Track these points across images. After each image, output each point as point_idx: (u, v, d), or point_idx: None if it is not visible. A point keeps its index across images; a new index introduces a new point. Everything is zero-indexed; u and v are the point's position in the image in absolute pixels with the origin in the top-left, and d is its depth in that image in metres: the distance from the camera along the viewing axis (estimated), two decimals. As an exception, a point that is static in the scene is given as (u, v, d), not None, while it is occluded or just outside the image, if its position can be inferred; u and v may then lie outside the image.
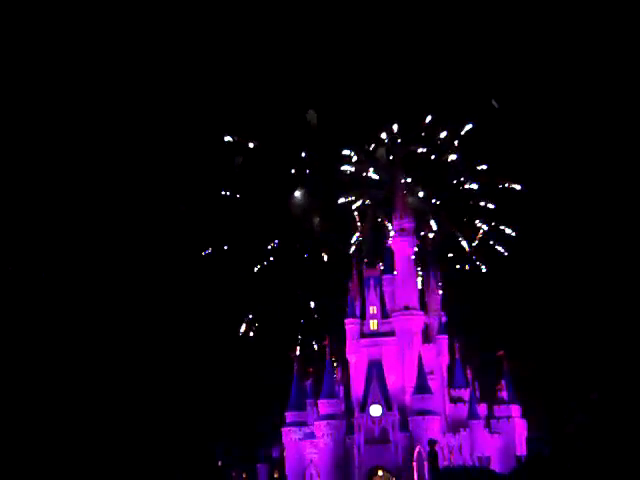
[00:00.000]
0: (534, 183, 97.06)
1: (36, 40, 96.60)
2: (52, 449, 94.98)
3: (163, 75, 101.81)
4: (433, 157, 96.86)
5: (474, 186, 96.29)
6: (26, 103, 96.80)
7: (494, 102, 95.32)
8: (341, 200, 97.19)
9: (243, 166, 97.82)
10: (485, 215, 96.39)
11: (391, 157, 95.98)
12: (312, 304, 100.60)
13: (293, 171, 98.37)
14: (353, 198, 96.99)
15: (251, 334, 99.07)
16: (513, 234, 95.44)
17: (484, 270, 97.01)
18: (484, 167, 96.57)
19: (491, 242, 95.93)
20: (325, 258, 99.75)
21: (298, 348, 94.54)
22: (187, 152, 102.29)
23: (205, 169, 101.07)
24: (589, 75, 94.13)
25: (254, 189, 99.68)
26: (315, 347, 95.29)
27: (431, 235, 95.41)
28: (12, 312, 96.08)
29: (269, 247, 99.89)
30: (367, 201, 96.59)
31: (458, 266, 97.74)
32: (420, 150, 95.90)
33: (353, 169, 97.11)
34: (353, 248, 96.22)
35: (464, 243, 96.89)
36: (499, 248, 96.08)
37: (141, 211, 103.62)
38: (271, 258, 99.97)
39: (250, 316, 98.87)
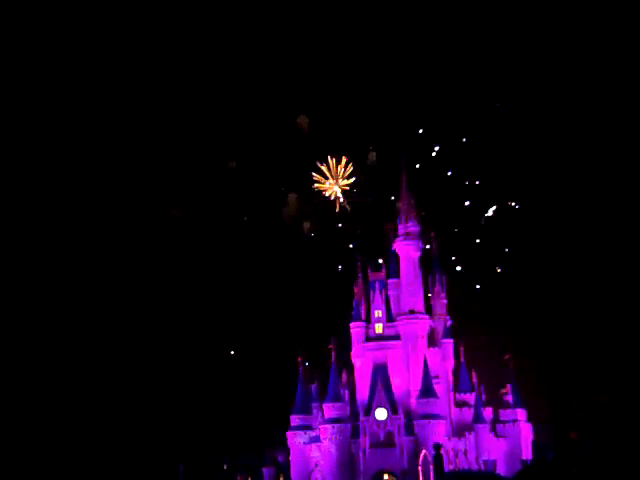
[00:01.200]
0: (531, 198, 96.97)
1: (23, 46, 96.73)
2: (56, 460, 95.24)
3: (155, 81, 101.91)
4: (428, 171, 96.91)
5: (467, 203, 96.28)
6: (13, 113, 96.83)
7: (499, 107, 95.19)
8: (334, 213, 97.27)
9: (235, 171, 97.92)
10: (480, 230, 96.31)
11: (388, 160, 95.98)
12: (317, 308, 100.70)
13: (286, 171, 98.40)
14: (345, 204, 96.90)
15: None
16: (507, 250, 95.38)
17: (478, 287, 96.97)
18: (477, 183, 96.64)
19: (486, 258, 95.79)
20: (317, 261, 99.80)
21: (304, 352, 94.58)
22: (178, 162, 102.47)
23: (197, 178, 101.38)
24: (583, 89, 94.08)
25: (246, 197, 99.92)
26: (320, 351, 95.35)
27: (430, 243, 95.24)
28: (10, 313, 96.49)
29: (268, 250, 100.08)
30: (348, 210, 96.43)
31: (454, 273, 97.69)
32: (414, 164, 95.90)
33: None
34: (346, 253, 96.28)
35: (459, 257, 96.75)
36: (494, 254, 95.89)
37: (136, 218, 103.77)
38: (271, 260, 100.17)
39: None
